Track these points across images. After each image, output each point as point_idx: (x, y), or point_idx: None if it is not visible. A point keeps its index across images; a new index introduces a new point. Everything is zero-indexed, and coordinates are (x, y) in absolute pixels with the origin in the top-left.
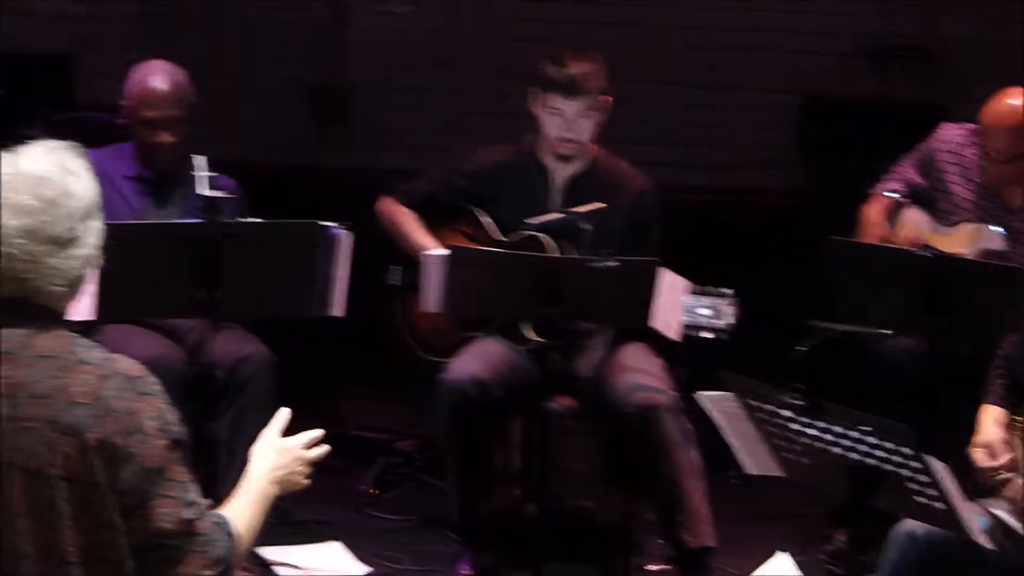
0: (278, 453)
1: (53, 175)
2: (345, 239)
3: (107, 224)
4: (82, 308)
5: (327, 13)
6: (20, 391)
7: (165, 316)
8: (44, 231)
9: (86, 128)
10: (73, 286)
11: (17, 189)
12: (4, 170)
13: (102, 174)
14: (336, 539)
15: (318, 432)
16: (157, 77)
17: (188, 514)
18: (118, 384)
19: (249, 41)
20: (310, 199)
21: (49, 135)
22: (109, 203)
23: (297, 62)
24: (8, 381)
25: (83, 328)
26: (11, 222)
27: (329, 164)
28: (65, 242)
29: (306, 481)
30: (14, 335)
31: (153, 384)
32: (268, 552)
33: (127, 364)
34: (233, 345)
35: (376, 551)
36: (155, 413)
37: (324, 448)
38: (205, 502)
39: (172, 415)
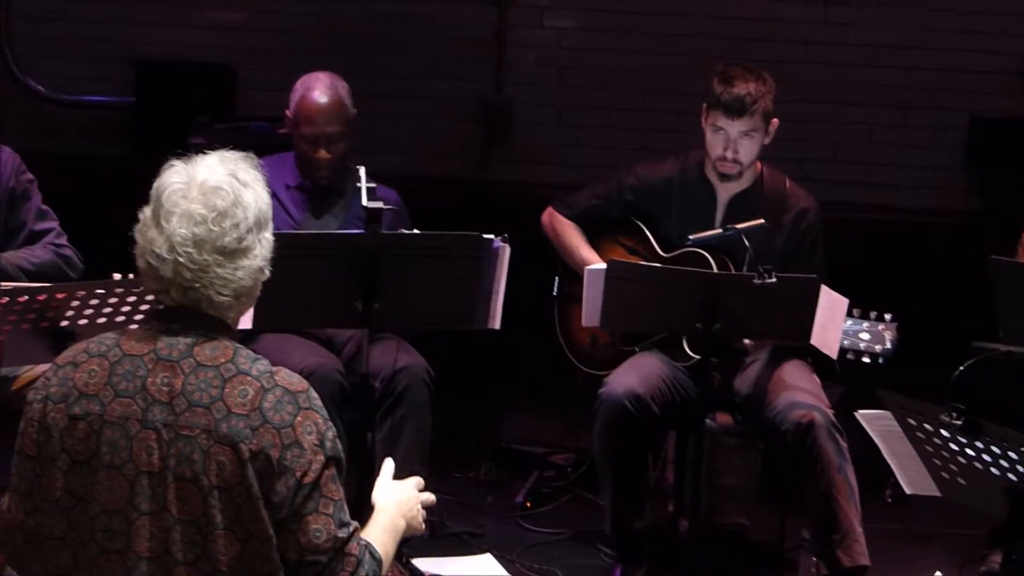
0: (401, 491)
1: (226, 185)
2: (504, 252)
3: None
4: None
5: (491, 29)
6: (179, 399)
7: (323, 326)
8: (213, 240)
9: (249, 138)
10: (239, 297)
11: (189, 198)
12: (178, 179)
13: None
14: (489, 551)
15: (421, 480)
16: (319, 91)
17: (342, 533)
18: (277, 397)
19: (414, 55)
20: (472, 212)
21: (214, 145)
22: None
23: (461, 77)
24: (168, 389)
25: (241, 337)
26: (181, 230)
27: (492, 178)
28: (233, 252)
29: (423, 526)
30: (177, 343)
31: (314, 399)
32: (422, 563)
33: (289, 378)
34: (390, 356)
35: (528, 563)
36: (313, 428)
37: (431, 495)
38: (355, 524)
39: (331, 432)
